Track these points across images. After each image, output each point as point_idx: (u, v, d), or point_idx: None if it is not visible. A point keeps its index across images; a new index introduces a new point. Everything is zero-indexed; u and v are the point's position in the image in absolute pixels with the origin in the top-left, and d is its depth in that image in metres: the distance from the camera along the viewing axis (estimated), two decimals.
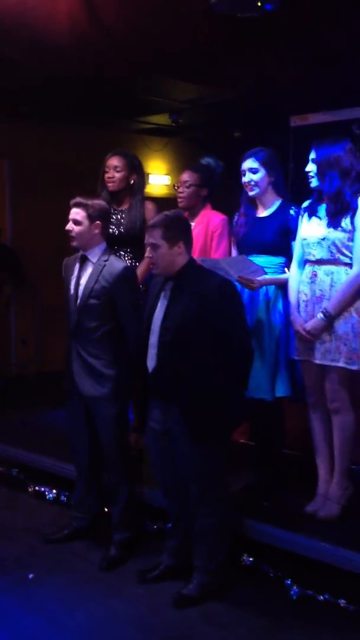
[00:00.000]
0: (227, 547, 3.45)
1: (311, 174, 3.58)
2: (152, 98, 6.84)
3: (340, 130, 4.04)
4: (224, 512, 3.41)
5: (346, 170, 3.49)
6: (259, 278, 3.74)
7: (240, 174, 3.90)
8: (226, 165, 4.43)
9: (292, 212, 3.81)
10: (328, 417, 3.65)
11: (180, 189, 4.26)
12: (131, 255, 4.33)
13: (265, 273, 3.76)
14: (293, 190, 4.84)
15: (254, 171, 3.85)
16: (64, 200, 3.81)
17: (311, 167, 3.58)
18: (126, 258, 4.32)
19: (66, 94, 6.32)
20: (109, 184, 4.32)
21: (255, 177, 3.85)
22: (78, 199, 3.70)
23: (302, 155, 3.70)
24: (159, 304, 3.35)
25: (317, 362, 3.55)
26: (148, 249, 3.32)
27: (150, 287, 3.51)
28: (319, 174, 3.53)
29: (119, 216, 4.34)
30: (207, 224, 4.21)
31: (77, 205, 3.68)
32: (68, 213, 3.70)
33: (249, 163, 3.86)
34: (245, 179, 3.88)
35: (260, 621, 3.26)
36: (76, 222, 3.67)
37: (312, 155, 3.57)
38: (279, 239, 3.81)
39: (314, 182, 3.58)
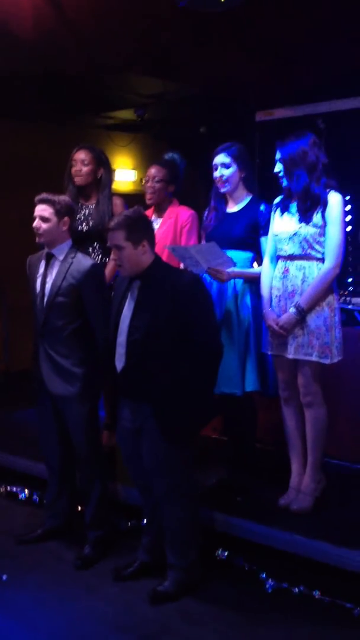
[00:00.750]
0: (198, 543, 3.45)
1: (280, 174, 3.58)
2: (116, 93, 6.80)
3: (305, 125, 4.06)
4: (190, 509, 3.40)
5: (312, 164, 3.50)
6: (228, 270, 3.74)
7: (212, 168, 3.88)
8: (192, 160, 4.42)
9: (262, 208, 3.81)
10: (301, 411, 3.67)
11: (150, 184, 4.24)
12: (100, 250, 4.29)
13: (235, 264, 3.77)
14: (259, 186, 4.86)
15: (226, 166, 3.84)
16: (30, 196, 3.75)
17: (279, 167, 3.58)
18: (95, 254, 4.28)
19: (29, 89, 6.24)
20: (77, 178, 4.27)
21: (227, 172, 3.84)
22: (44, 195, 3.64)
23: (268, 151, 3.70)
24: (126, 303, 3.32)
25: (291, 357, 3.57)
26: (112, 251, 3.29)
27: (116, 286, 3.47)
28: (286, 172, 3.54)
29: (86, 211, 4.29)
30: (175, 219, 4.21)
31: (44, 201, 3.62)
32: (33, 209, 3.64)
33: (221, 158, 3.85)
34: (217, 174, 3.86)
35: (237, 615, 3.28)
36: (44, 219, 3.61)
37: (278, 155, 3.57)
38: (247, 234, 3.82)
39: (284, 182, 3.58)
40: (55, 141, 6.89)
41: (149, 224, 3.36)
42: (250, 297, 3.84)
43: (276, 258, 3.68)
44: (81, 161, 4.26)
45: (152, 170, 4.25)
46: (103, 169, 4.31)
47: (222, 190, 3.88)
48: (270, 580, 3.46)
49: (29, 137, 7.70)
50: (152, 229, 3.35)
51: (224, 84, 6.16)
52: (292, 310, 3.52)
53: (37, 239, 3.67)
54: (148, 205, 4.31)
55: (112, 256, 3.28)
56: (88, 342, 3.66)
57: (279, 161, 3.57)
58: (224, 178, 3.85)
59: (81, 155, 4.26)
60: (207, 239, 3.97)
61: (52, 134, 7.58)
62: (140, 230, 3.25)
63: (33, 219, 3.64)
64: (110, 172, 4.38)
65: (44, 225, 3.61)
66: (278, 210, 3.66)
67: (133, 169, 9.09)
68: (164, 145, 7.82)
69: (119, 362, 3.31)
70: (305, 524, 3.53)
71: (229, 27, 4.76)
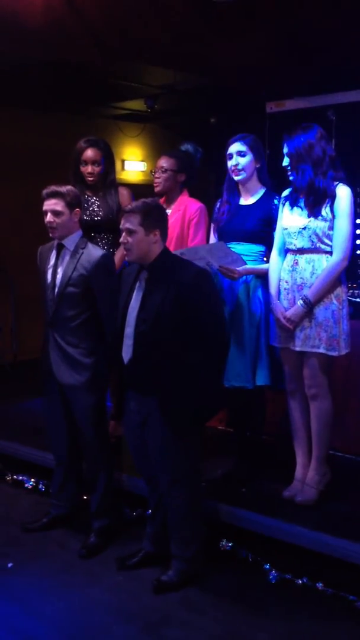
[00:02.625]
0: (201, 534, 3.46)
1: (288, 167, 3.56)
2: (127, 83, 6.77)
3: (316, 117, 4.04)
4: (194, 500, 3.41)
5: (319, 159, 3.48)
6: (240, 268, 3.73)
7: (226, 157, 3.85)
8: (202, 151, 4.40)
9: (275, 201, 3.79)
10: (306, 403, 3.67)
11: (157, 174, 4.23)
12: (110, 242, 4.29)
13: (245, 263, 3.75)
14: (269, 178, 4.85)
15: (242, 154, 3.81)
16: (39, 186, 3.73)
17: (286, 161, 3.56)
18: (103, 245, 4.28)
19: (39, 78, 6.23)
20: (90, 179, 4.26)
21: (243, 160, 3.81)
22: (53, 188, 3.60)
23: (278, 142, 3.69)
24: (134, 295, 3.32)
25: (298, 349, 3.57)
26: (123, 234, 3.28)
27: (124, 277, 3.46)
28: (293, 167, 3.52)
29: (95, 203, 4.29)
30: (184, 212, 4.19)
31: (54, 195, 3.58)
32: (42, 203, 3.60)
33: (237, 146, 3.83)
34: (232, 162, 3.83)
35: (240, 606, 3.29)
36: (57, 213, 3.57)
37: (286, 149, 3.55)
38: (261, 227, 3.80)
39: (291, 176, 3.57)
40: (64, 131, 6.88)
41: (164, 216, 3.35)
42: (262, 292, 3.83)
43: (285, 251, 3.66)
44: (92, 162, 4.24)
45: (161, 161, 4.24)
46: (109, 161, 4.31)
47: (237, 178, 3.85)
48: (273, 571, 3.47)
49: (38, 127, 7.69)
50: (166, 221, 3.35)
51: (234, 74, 6.12)
52: (299, 302, 3.51)
53: (50, 234, 3.64)
54: (155, 194, 4.30)
55: (121, 239, 3.26)
56: (97, 332, 3.67)
57: (287, 155, 3.55)
58: (240, 166, 3.81)
59: (90, 154, 4.24)
60: (219, 232, 3.95)
61: (62, 124, 7.58)
62: (155, 219, 3.25)
63: (44, 214, 3.60)
64: (114, 163, 4.39)
65: (58, 220, 3.58)
66: (287, 204, 3.64)
67: (142, 159, 9.07)
68: (173, 136, 7.81)
69: (126, 354, 3.31)
70: (309, 516, 3.54)
71: (240, 17, 4.73)
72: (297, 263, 3.58)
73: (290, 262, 3.61)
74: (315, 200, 3.48)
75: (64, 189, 3.61)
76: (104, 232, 4.29)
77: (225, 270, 3.69)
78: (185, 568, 3.41)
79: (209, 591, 3.38)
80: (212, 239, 4.04)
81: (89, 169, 4.24)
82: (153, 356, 3.22)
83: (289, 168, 3.56)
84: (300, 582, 3.41)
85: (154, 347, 3.22)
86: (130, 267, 3.46)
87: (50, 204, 3.58)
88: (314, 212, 3.48)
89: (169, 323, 3.19)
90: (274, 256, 3.71)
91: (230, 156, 3.84)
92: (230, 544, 3.66)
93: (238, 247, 3.79)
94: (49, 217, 3.59)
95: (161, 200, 4.33)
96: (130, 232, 3.23)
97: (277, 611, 3.25)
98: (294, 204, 3.60)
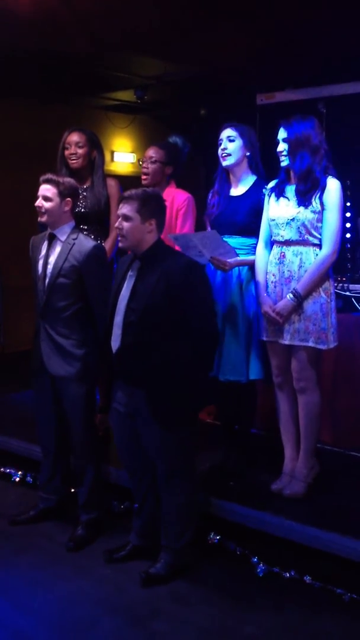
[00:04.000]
0: (194, 527, 3.46)
1: (283, 153, 3.54)
2: (116, 74, 6.74)
3: (306, 109, 4.02)
4: (191, 493, 3.42)
5: (316, 147, 3.49)
6: (231, 260, 3.71)
7: (217, 144, 3.83)
8: (192, 143, 4.39)
9: (264, 191, 3.78)
10: (294, 397, 3.67)
11: (145, 165, 4.21)
12: (96, 233, 4.27)
13: (237, 255, 3.74)
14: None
15: (231, 139, 3.79)
16: (27, 177, 3.74)
17: (283, 146, 3.54)
18: (91, 236, 4.25)
19: (28, 68, 6.18)
20: (72, 161, 4.23)
21: (232, 145, 3.79)
22: (49, 175, 3.64)
23: (269, 134, 3.67)
24: (125, 284, 3.31)
25: (287, 342, 3.56)
26: (119, 220, 3.26)
27: (119, 265, 3.46)
28: (291, 152, 3.51)
29: (82, 194, 4.27)
30: (172, 202, 4.17)
31: (48, 181, 3.63)
32: (37, 189, 3.64)
33: (227, 132, 3.81)
34: (221, 147, 3.82)
35: (227, 599, 3.29)
36: (46, 199, 3.61)
37: (283, 135, 3.54)
38: (251, 219, 3.78)
39: (285, 161, 3.55)
40: (53, 122, 6.83)
41: (163, 207, 3.33)
42: (256, 285, 3.82)
43: (271, 243, 3.65)
44: (75, 144, 4.22)
45: (150, 151, 4.22)
46: (96, 150, 4.29)
47: (224, 163, 3.83)
48: (261, 564, 3.47)
49: (27, 118, 7.65)
50: (164, 213, 3.34)
51: (225, 66, 6.10)
52: (289, 296, 3.51)
53: (39, 218, 3.67)
54: (143, 186, 4.27)
55: (116, 224, 3.25)
56: (89, 323, 3.66)
57: (284, 141, 3.53)
58: (227, 151, 3.80)
59: (74, 138, 4.23)
60: (211, 226, 3.93)
61: (51, 114, 7.53)
62: (153, 208, 3.24)
63: (36, 198, 3.64)
64: (102, 154, 4.37)
65: (46, 205, 3.61)
66: (273, 195, 3.63)
67: (132, 151, 9.04)
68: (163, 128, 7.77)
69: (115, 343, 3.30)
70: (297, 509, 3.54)
71: (230, 9, 4.70)
72: (284, 255, 3.57)
73: (277, 254, 3.60)
74: (308, 188, 3.47)
75: (60, 178, 3.66)
76: (89, 223, 4.26)
77: (217, 261, 3.68)
78: (173, 560, 3.41)
79: (197, 584, 3.38)
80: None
81: (72, 149, 4.22)
82: (141, 346, 3.21)
83: (284, 154, 3.54)
84: (287, 575, 3.41)
85: (142, 337, 3.21)
86: (125, 256, 3.45)
87: (42, 190, 3.64)
88: (304, 201, 3.48)
89: (157, 314, 3.18)
90: (260, 249, 3.70)
91: (220, 141, 3.83)
92: (218, 537, 3.65)
93: (230, 240, 3.77)
94: (38, 201, 3.63)
95: None
96: (126, 217, 3.22)
97: (265, 604, 3.25)
98: (280, 194, 3.59)
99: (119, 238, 3.29)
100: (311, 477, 3.72)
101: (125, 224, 3.22)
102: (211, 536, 3.66)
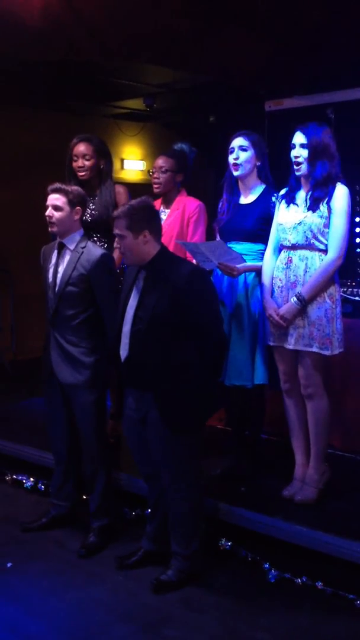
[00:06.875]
0: (201, 532, 3.45)
1: (300, 159, 3.51)
2: (126, 82, 6.78)
3: (314, 115, 4.03)
4: (197, 499, 3.42)
5: (333, 155, 3.50)
6: (239, 266, 3.72)
7: (228, 152, 3.84)
8: (201, 150, 4.40)
9: (274, 199, 3.78)
10: (303, 402, 3.67)
11: (156, 175, 4.22)
12: (104, 241, 4.28)
13: (244, 261, 3.74)
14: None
15: (243, 149, 3.80)
16: (38, 185, 3.77)
17: (300, 152, 3.51)
18: (99, 244, 4.27)
19: (38, 77, 6.22)
20: (80, 173, 4.23)
21: (244, 155, 3.79)
22: (57, 185, 3.67)
23: (277, 140, 3.68)
24: (132, 293, 3.33)
25: (291, 347, 3.56)
26: (116, 239, 3.30)
27: (125, 276, 3.48)
28: (311, 159, 3.48)
29: (90, 204, 4.28)
30: (183, 210, 4.20)
31: (57, 191, 3.64)
32: (46, 199, 3.65)
33: (239, 141, 3.81)
34: (232, 156, 3.81)
35: (239, 605, 3.29)
36: (57, 208, 3.63)
37: (302, 140, 3.50)
38: (259, 226, 3.79)
39: (303, 168, 3.53)
40: (63, 130, 6.88)
41: (153, 215, 3.33)
42: (262, 291, 3.82)
43: (279, 248, 3.66)
44: (82, 156, 4.22)
45: (159, 161, 4.23)
46: (104, 159, 4.29)
47: (235, 173, 3.83)
48: (273, 570, 3.47)
49: (37, 126, 7.70)
50: (156, 220, 3.34)
51: (233, 73, 6.11)
52: (293, 300, 3.51)
53: (49, 228, 3.69)
54: (155, 195, 4.30)
55: (115, 244, 3.30)
56: (98, 331, 3.68)
57: (303, 147, 3.49)
58: (240, 161, 3.79)
59: (81, 149, 4.22)
60: (220, 233, 3.94)
61: (61, 123, 7.58)
62: (142, 220, 3.23)
63: (45, 208, 3.66)
64: (111, 162, 4.36)
65: (57, 214, 3.63)
66: (284, 202, 3.63)
67: (142, 158, 9.07)
68: (173, 135, 7.80)
69: (124, 352, 3.32)
70: (308, 515, 3.53)
71: (239, 16, 4.73)
72: (290, 260, 3.57)
73: (284, 259, 3.61)
74: (321, 194, 3.47)
75: (68, 187, 3.67)
76: (98, 231, 4.28)
77: (224, 267, 3.69)
78: (184, 567, 3.41)
79: (209, 590, 3.38)
80: (216, 239, 4.03)
81: (80, 162, 4.22)
82: (148, 355, 3.23)
83: (299, 160, 3.52)
84: (299, 581, 3.40)
85: (148, 345, 3.22)
86: (132, 267, 3.47)
87: (51, 199, 3.65)
88: (314, 206, 3.48)
89: (164, 322, 3.20)
90: (268, 254, 3.71)
91: (232, 150, 3.82)
92: (229, 543, 3.65)
93: (238, 247, 3.79)
94: (48, 211, 3.64)
95: (159, 201, 4.33)
96: (120, 237, 3.25)
97: (277, 610, 3.24)
98: (290, 201, 3.60)
99: (122, 256, 3.32)
100: (322, 482, 3.71)
101: (122, 242, 3.25)
102: (222, 542, 3.66)
